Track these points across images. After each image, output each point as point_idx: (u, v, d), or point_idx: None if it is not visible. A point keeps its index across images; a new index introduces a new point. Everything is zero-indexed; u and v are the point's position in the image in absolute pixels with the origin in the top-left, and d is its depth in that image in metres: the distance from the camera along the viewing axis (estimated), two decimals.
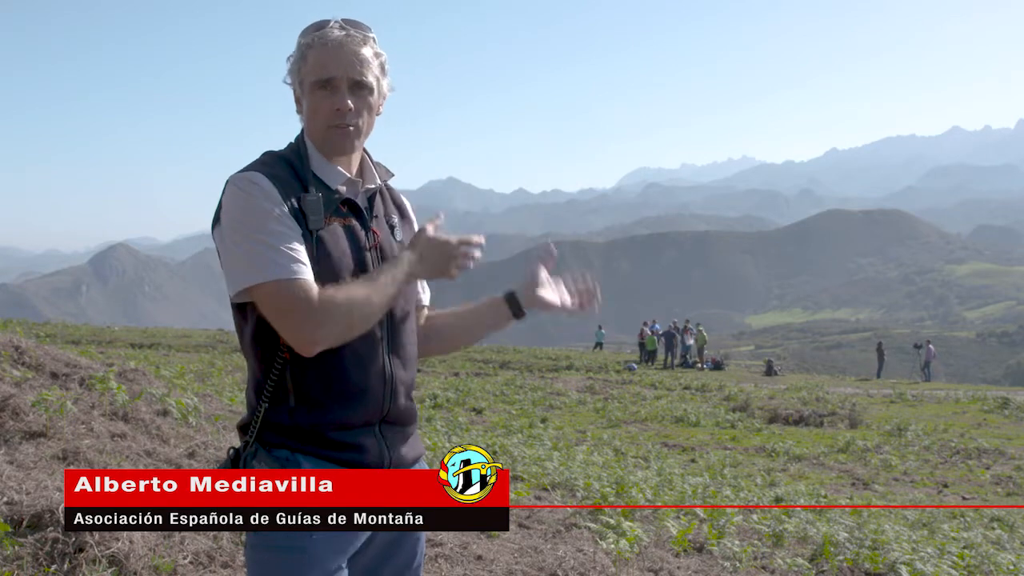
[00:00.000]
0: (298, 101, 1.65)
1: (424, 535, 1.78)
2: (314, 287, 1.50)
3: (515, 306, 1.79)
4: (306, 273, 1.50)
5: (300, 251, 1.51)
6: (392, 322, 1.65)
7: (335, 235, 1.59)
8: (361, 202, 1.67)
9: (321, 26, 1.60)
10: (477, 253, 1.65)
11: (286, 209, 1.53)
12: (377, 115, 1.68)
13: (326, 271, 1.54)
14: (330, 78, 1.57)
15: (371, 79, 1.62)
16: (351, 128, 1.61)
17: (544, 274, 1.80)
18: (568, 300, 1.80)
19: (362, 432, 1.60)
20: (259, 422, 1.57)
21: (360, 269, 1.60)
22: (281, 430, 1.56)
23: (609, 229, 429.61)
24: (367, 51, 1.61)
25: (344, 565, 1.57)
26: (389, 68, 1.68)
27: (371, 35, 1.63)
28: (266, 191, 1.53)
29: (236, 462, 1.56)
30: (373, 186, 1.71)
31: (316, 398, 1.56)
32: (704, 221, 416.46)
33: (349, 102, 1.58)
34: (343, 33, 1.59)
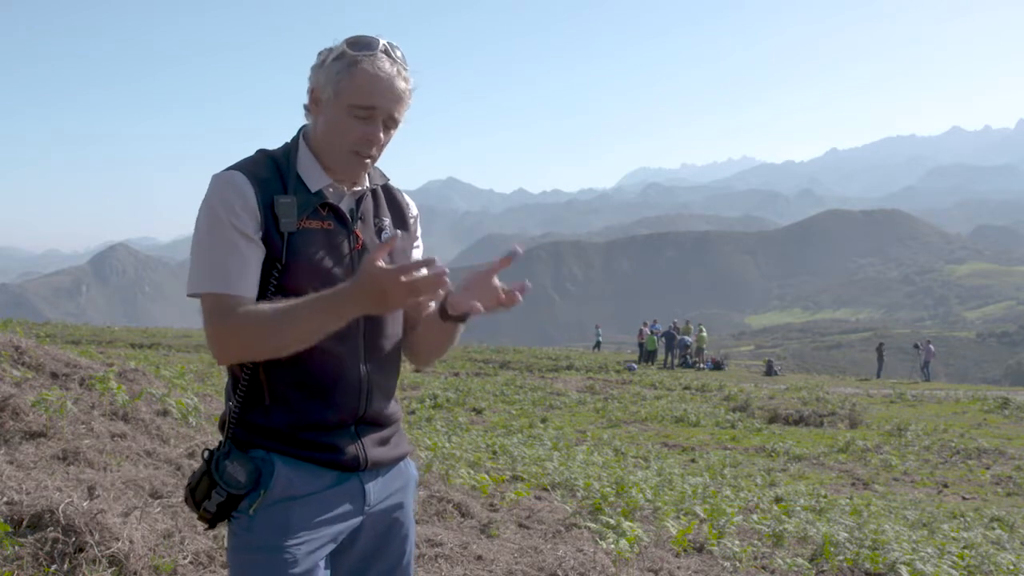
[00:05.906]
0: (316, 101, 1.62)
1: (413, 532, 1.76)
2: (237, 305, 1.49)
3: (442, 311, 1.69)
4: (237, 288, 1.51)
5: (243, 263, 1.52)
6: (371, 324, 1.63)
7: (309, 238, 1.58)
8: (346, 205, 1.66)
9: (371, 45, 1.57)
10: (446, 281, 1.39)
11: (249, 214, 1.53)
12: None
13: (298, 273, 1.55)
14: (373, 107, 1.57)
15: (401, 119, 1.63)
16: (369, 160, 1.62)
17: (480, 277, 1.64)
18: (485, 303, 1.59)
19: (338, 433, 1.60)
20: (235, 419, 1.58)
21: (335, 272, 1.59)
22: (257, 430, 1.57)
23: (609, 229, 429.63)
24: (406, 89, 1.61)
25: (323, 564, 1.58)
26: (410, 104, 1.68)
27: (407, 72, 1.62)
28: (234, 193, 1.53)
29: (210, 464, 1.55)
30: (360, 189, 1.69)
31: (290, 397, 1.57)
32: (704, 221, 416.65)
33: (381, 135, 1.59)
34: (394, 68, 1.58)
